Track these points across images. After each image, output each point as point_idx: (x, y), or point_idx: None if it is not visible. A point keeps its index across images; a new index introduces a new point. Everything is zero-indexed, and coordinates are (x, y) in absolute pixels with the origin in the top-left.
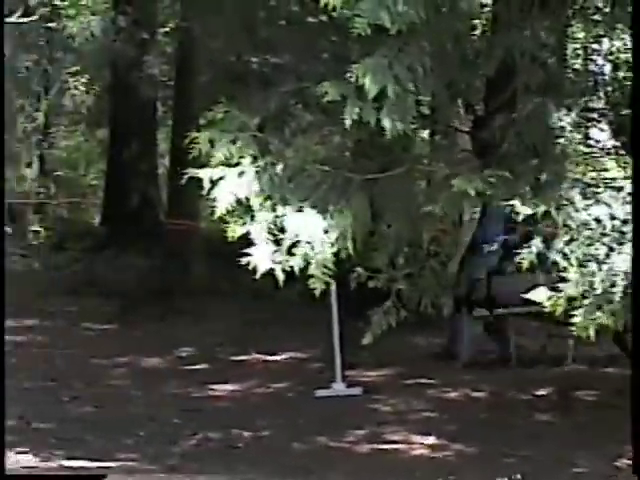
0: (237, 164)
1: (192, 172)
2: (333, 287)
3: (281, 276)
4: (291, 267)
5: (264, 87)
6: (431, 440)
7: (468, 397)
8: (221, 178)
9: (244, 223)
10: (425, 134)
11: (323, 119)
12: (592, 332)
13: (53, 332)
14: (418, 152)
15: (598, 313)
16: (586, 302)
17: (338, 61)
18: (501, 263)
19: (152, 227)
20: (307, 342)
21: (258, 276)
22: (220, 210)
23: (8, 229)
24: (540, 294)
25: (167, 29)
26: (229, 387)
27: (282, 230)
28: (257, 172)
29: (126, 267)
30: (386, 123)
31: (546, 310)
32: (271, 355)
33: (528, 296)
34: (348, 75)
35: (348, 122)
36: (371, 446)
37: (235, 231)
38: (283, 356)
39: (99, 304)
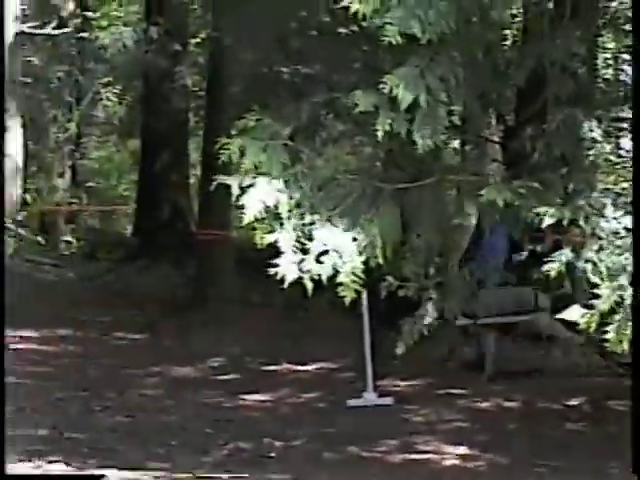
0: (267, 172)
1: (222, 179)
2: (364, 296)
3: (309, 285)
4: (319, 276)
5: (295, 97)
6: (462, 450)
7: (499, 407)
8: (250, 185)
9: (273, 231)
10: (456, 144)
11: (354, 129)
12: (626, 346)
13: (85, 342)
14: (449, 162)
15: (629, 325)
16: (617, 317)
17: (369, 71)
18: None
19: (183, 237)
20: (338, 352)
21: (286, 285)
22: (248, 217)
23: (40, 239)
24: (574, 313)
25: (199, 39)
26: (260, 397)
27: (310, 239)
28: (286, 181)
29: (158, 277)
30: (417, 135)
31: None
32: (302, 365)
33: (561, 316)
34: (380, 85)
35: (380, 133)
36: (403, 456)
37: (264, 239)
38: (314, 366)
39: (131, 314)
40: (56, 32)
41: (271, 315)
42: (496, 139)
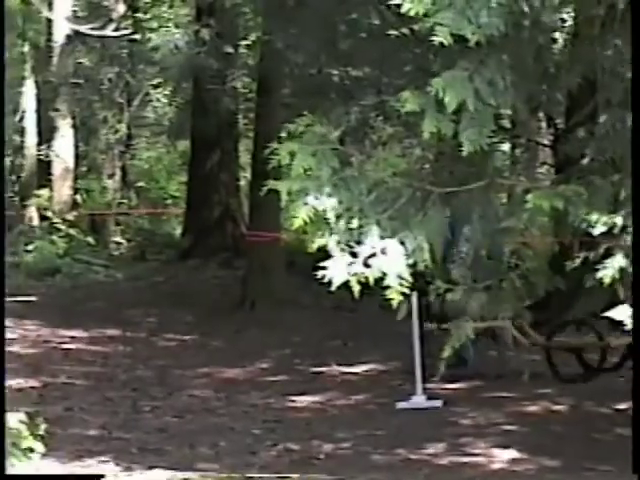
0: (317, 176)
1: (272, 184)
2: (414, 299)
3: (356, 288)
4: (366, 279)
5: (345, 100)
6: (511, 453)
7: (547, 410)
8: (300, 190)
9: (322, 235)
10: (506, 147)
11: (404, 131)
12: None
13: (134, 342)
14: (499, 165)
15: None
16: None
17: (419, 73)
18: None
19: (233, 238)
20: (387, 354)
21: (334, 288)
22: (298, 222)
23: (90, 240)
24: (621, 312)
25: (249, 42)
26: (309, 398)
27: (359, 242)
28: (336, 185)
29: (207, 278)
30: (463, 137)
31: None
32: (351, 367)
33: (608, 314)
34: (428, 88)
35: (426, 135)
36: (451, 459)
37: (314, 243)
38: (363, 368)
39: (180, 315)
40: (107, 34)
41: (321, 316)
42: (546, 142)
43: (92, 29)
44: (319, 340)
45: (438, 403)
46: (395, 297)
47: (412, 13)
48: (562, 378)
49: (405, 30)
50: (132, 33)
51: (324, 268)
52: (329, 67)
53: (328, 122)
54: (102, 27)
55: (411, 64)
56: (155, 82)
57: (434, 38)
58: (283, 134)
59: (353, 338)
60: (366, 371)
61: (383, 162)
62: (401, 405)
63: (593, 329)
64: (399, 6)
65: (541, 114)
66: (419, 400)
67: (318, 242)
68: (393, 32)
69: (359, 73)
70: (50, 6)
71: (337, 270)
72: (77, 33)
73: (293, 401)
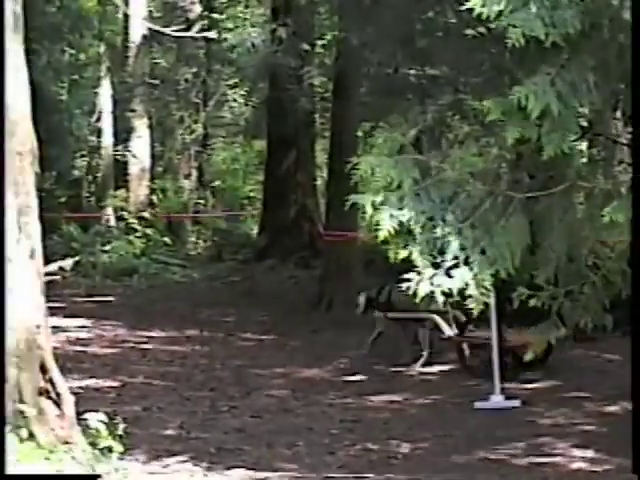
0: (398, 187)
1: (354, 198)
2: (492, 301)
3: (440, 298)
4: (450, 290)
5: (421, 99)
6: (589, 453)
7: (626, 410)
8: (382, 202)
9: (406, 245)
10: (583, 146)
11: (480, 130)
12: None
13: (212, 342)
14: (578, 166)
15: None
16: None
17: (496, 72)
18: None
19: (310, 238)
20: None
21: (418, 300)
22: (383, 234)
23: (167, 240)
24: None
25: (325, 41)
26: (387, 398)
27: (441, 252)
28: (417, 194)
29: (284, 278)
30: (546, 141)
31: None
32: (429, 367)
33: None
34: (509, 95)
35: (510, 141)
36: (529, 459)
37: (397, 254)
38: (441, 368)
39: (257, 314)
40: (185, 34)
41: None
42: (624, 140)
43: (172, 30)
44: (397, 340)
45: (516, 403)
46: (476, 307)
47: (484, 16)
48: (473, 372)
49: (482, 29)
50: (207, 30)
51: (408, 280)
52: (405, 66)
53: (405, 122)
54: (182, 29)
55: (488, 63)
56: (231, 82)
57: (508, 40)
58: (361, 143)
59: (432, 337)
60: (443, 371)
61: (460, 161)
62: (479, 405)
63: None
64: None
65: (619, 112)
66: (497, 400)
67: (402, 253)
68: (470, 31)
69: (436, 72)
70: (127, 7)
71: (421, 282)
72: (153, 33)
73: (371, 401)
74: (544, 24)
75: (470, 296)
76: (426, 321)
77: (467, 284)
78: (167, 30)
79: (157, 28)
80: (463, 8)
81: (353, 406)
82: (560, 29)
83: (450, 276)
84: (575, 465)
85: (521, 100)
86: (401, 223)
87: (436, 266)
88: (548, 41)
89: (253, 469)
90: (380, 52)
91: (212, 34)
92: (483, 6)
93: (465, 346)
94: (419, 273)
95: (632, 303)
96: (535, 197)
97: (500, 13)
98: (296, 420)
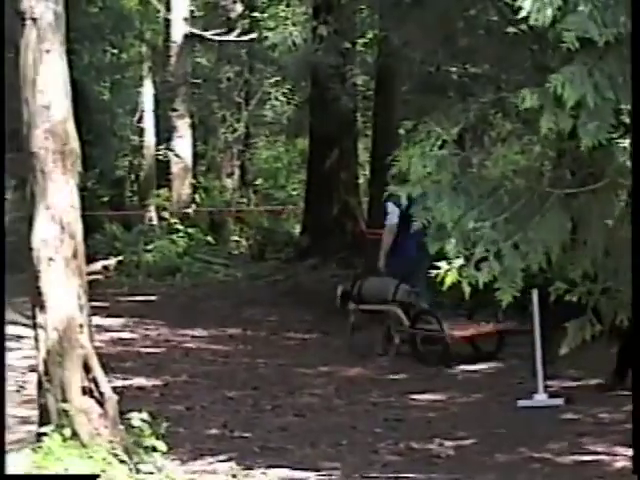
0: (436, 181)
1: (392, 189)
2: (534, 298)
3: (467, 289)
4: (477, 281)
5: (463, 97)
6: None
7: None
8: (420, 195)
9: (441, 239)
10: (626, 143)
11: (523, 128)
12: None
13: (255, 341)
14: (619, 163)
15: None
16: None
17: (538, 70)
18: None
19: (353, 236)
20: (508, 353)
21: (445, 288)
22: (418, 226)
23: (210, 239)
24: None
25: (366, 39)
26: (430, 397)
27: (474, 245)
28: (455, 189)
29: (326, 277)
30: (582, 132)
31: None
32: (472, 365)
33: None
34: (546, 84)
35: (544, 130)
36: (573, 457)
37: (434, 247)
38: (484, 366)
39: (300, 313)
40: (224, 38)
41: (442, 313)
42: None
43: (212, 34)
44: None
45: (559, 401)
46: (505, 298)
47: (539, 23)
48: (424, 361)
49: (523, 26)
50: (249, 29)
51: (438, 268)
52: (447, 64)
53: (447, 119)
54: (223, 30)
55: (529, 60)
56: (273, 80)
57: (562, 45)
58: (403, 140)
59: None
60: (487, 369)
61: (502, 159)
62: (522, 403)
63: (437, 319)
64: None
65: None
66: (541, 398)
67: (436, 245)
68: (511, 29)
69: (477, 70)
70: (168, 7)
71: (449, 272)
72: (195, 34)
73: (414, 399)
74: (597, 25)
75: (500, 288)
76: (389, 312)
77: (495, 277)
78: (208, 34)
79: (197, 32)
80: (505, 4)
81: (396, 405)
82: (612, 29)
83: (479, 269)
84: (619, 464)
85: (557, 88)
86: (434, 217)
87: (467, 258)
88: (602, 41)
89: (296, 468)
90: (422, 50)
91: (252, 35)
92: (538, 12)
93: (417, 337)
94: (449, 263)
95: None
96: (574, 193)
97: (554, 19)
98: (339, 419)
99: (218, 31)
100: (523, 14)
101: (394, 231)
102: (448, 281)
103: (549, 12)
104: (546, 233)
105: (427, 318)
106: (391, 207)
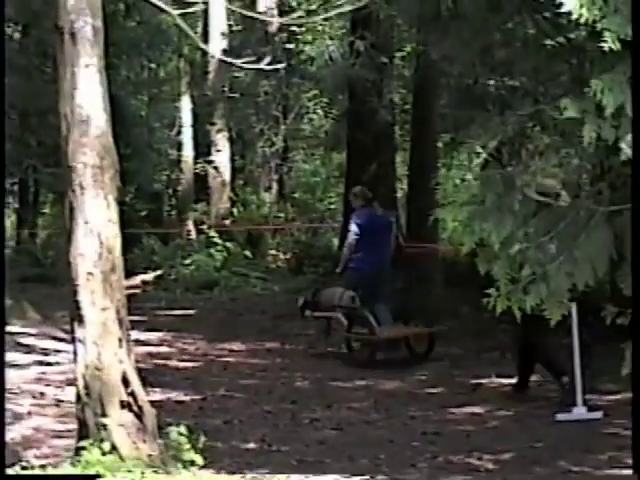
0: (481, 202)
1: (437, 213)
2: (574, 312)
3: (518, 313)
4: (526, 304)
5: (501, 110)
6: None
7: None
8: (465, 217)
9: (488, 261)
10: None
11: (561, 141)
12: None
13: (292, 355)
14: None
15: None
16: None
17: (576, 82)
18: None
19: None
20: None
21: (497, 314)
22: (465, 249)
23: (247, 252)
24: None
25: (404, 53)
26: (468, 410)
27: (521, 266)
28: (500, 209)
29: None
30: (623, 142)
31: None
32: (510, 378)
33: None
34: (586, 92)
35: (586, 140)
36: (612, 471)
37: (481, 268)
38: None
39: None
40: (255, 66)
41: (480, 327)
42: None
43: (243, 62)
44: (478, 351)
45: (598, 414)
46: (554, 317)
47: (582, 20)
48: (357, 363)
49: (560, 39)
50: (287, 42)
51: (488, 295)
52: (485, 77)
53: (484, 133)
54: (257, 60)
55: (567, 73)
56: (311, 94)
57: (602, 44)
58: (442, 154)
59: (512, 349)
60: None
61: (540, 172)
62: (561, 417)
63: (369, 322)
64: (555, 15)
65: None
66: (579, 411)
67: (483, 268)
68: (549, 41)
69: (515, 83)
70: (206, 21)
71: (498, 298)
72: (233, 47)
73: (452, 413)
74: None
75: (548, 308)
76: (333, 319)
77: (542, 300)
78: (239, 62)
79: (230, 60)
80: (543, 18)
81: (434, 418)
82: None
83: (527, 292)
84: None
85: (597, 93)
86: (482, 238)
87: (514, 281)
88: None
89: None
90: (459, 63)
91: (281, 65)
92: (581, 8)
93: (352, 340)
94: (497, 289)
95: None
96: (618, 210)
97: (595, 19)
98: (377, 432)
99: (249, 59)
100: (565, 9)
101: (351, 249)
102: (499, 308)
103: (596, 12)
104: (592, 251)
105: (363, 322)
106: (352, 226)
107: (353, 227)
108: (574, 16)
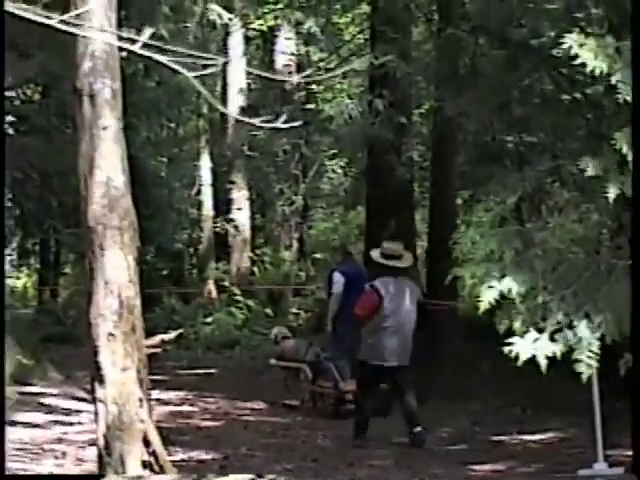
0: (499, 259)
1: (455, 271)
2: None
3: (543, 363)
4: (553, 353)
5: (520, 166)
6: None
7: None
8: (484, 274)
9: (509, 317)
10: None
11: (580, 197)
12: None
13: (313, 413)
14: None
15: None
16: None
17: (593, 137)
18: None
19: None
20: (568, 421)
21: (520, 363)
22: (484, 306)
23: (269, 311)
24: None
25: (422, 110)
26: (490, 467)
27: (544, 318)
28: (519, 265)
29: None
30: None
31: None
32: (531, 435)
33: None
34: (607, 148)
35: (611, 196)
36: None
37: (501, 325)
38: (543, 436)
39: None
40: (273, 125)
41: (500, 384)
42: None
43: (261, 121)
44: (498, 408)
45: (620, 470)
46: (585, 370)
47: (597, 72)
48: (320, 413)
49: (577, 94)
50: (306, 102)
51: (510, 344)
52: (503, 133)
53: (503, 189)
54: (275, 119)
55: (585, 128)
56: (330, 153)
57: (618, 96)
58: (461, 211)
59: (532, 405)
60: (547, 439)
61: (560, 228)
62: (583, 472)
63: (332, 376)
64: (571, 69)
65: None
66: (601, 467)
67: (504, 324)
68: (566, 97)
69: (533, 138)
70: (225, 80)
71: (523, 346)
72: (251, 105)
73: (473, 470)
74: None
75: (578, 360)
76: (299, 370)
77: (572, 348)
78: (256, 120)
79: (247, 120)
80: (560, 74)
81: (457, 475)
82: None
83: (554, 340)
84: None
85: (621, 146)
86: (502, 294)
87: (539, 330)
88: None
89: None
90: (477, 120)
91: (296, 123)
92: (595, 60)
93: (316, 392)
94: (522, 337)
95: (632, 303)
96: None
97: (609, 72)
98: None
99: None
100: (580, 61)
101: (339, 299)
102: (523, 357)
103: (605, 66)
104: (616, 303)
105: (327, 375)
106: (337, 276)
107: (337, 276)
108: (589, 68)
